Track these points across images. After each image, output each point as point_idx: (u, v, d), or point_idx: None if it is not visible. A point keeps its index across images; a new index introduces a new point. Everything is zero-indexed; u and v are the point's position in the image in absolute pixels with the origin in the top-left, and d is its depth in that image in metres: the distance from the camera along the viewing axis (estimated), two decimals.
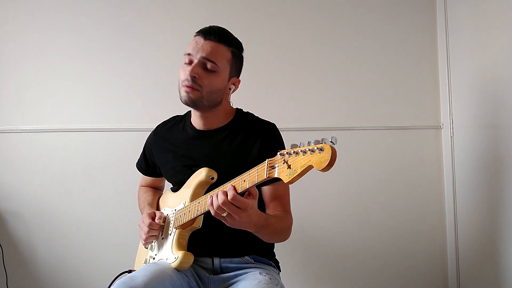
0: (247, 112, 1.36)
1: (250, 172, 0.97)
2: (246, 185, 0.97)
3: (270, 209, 1.23)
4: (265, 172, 0.92)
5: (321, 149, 0.80)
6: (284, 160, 0.88)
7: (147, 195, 1.46)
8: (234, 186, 0.99)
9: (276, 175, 0.89)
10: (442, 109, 2.08)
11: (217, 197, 0.99)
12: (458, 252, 2.02)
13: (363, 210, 2.05)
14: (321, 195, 2.03)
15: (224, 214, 0.99)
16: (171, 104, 1.94)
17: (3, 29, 2.00)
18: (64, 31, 2.01)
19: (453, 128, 2.03)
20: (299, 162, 0.84)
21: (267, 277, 1.14)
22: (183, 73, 1.20)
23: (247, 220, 1.00)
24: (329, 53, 2.07)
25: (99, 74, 2.01)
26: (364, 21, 2.09)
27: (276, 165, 0.90)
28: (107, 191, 1.98)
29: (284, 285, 1.25)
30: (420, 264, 2.07)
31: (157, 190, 1.52)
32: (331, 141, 0.80)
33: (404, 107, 2.09)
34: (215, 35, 1.20)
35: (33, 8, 2.00)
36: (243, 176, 0.99)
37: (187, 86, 1.18)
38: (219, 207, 0.98)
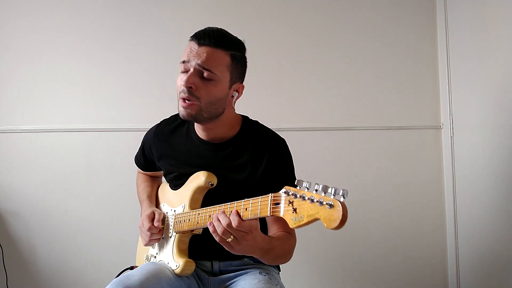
0: (255, 121, 1.27)
1: (253, 201, 0.93)
2: (248, 215, 0.92)
3: (273, 231, 1.16)
4: (269, 208, 0.88)
5: (330, 205, 0.75)
6: (289, 200, 0.83)
7: (146, 185, 1.44)
8: (237, 211, 0.94)
9: (281, 215, 0.85)
10: (442, 109, 2.08)
11: (218, 221, 0.94)
12: (458, 252, 2.02)
13: (363, 210, 2.05)
14: None
15: (229, 239, 0.94)
16: (171, 104, 1.94)
17: (4, 29, 2.00)
18: (64, 31, 2.01)
19: (453, 128, 2.03)
20: (305, 210, 0.79)
21: (266, 277, 1.14)
22: (180, 83, 1.10)
23: (253, 243, 0.96)
24: (330, 53, 2.07)
25: (99, 74, 2.01)
26: (364, 22, 2.09)
27: (281, 204, 0.85)
28: (107, 191, 1.98)
29: (284, 285, 1.25)
30: (420, 264, 2.07)
31: (156, 178, 1.50)
32: (342, 195, 0.75)
33: (404, 107, 2.09)
34: (210, 39, 1.07)
35: (33, 9, 2.00)
36: (244, 203, 0.94)
37: (183, 100, 1.09)
38: (224, 231, 0.93)
